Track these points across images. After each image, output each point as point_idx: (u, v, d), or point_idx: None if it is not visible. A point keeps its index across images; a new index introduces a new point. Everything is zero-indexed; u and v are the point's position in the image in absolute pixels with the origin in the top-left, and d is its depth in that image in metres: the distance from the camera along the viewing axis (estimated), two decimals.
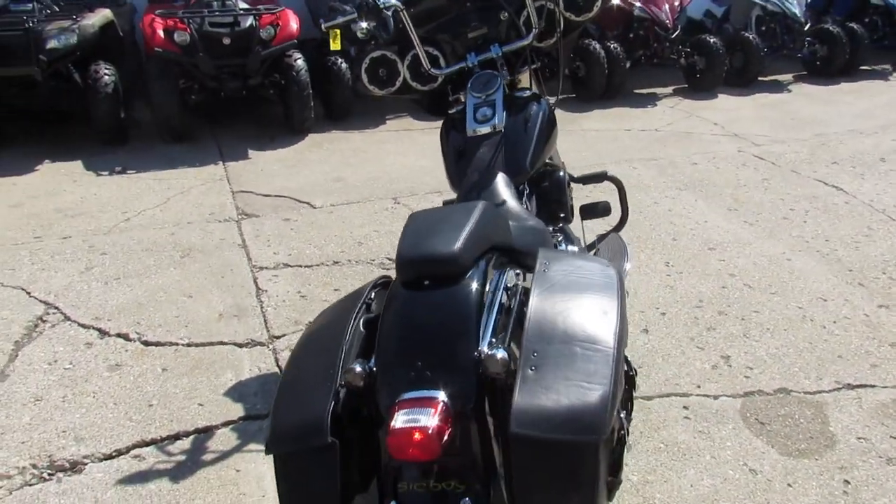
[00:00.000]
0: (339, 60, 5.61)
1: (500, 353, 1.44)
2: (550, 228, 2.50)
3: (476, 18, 2.53)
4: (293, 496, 1.47)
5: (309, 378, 1.55)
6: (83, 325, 2.87)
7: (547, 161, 2.63)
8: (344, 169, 4.82)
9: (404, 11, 2.42)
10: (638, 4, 6.77)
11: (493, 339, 1.50)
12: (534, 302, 1.55)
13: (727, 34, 7.51)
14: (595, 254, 2.74)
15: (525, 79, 2.67)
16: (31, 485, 2.05)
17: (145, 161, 4.97)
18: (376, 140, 5.52)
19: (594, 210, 2.73)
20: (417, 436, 1.32)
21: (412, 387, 1.43)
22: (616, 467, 1.45)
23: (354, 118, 5.96)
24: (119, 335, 2.80)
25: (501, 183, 2.19)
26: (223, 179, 4.64)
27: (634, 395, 1.63)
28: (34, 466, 2.12)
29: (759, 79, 7.21)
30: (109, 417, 2.33)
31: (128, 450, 2.19)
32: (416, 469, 1.42)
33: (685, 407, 2.34)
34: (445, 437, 1.36)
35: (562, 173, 2.43)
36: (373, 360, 1.51)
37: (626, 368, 1.60)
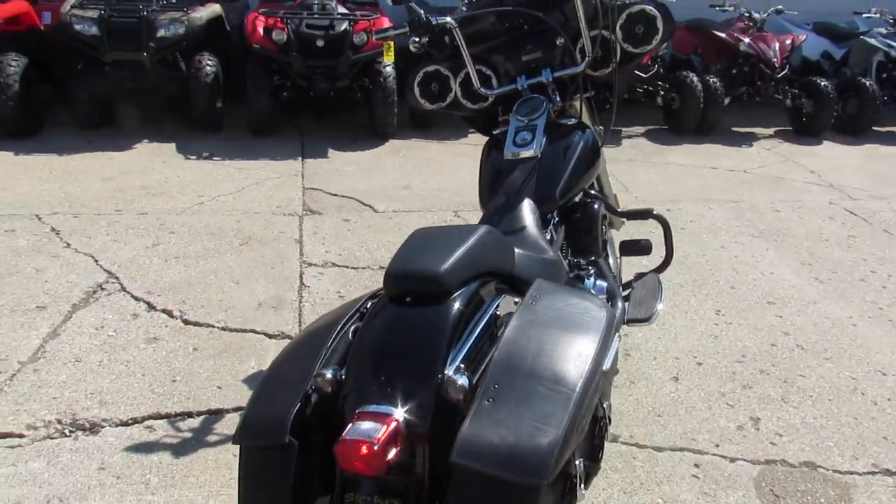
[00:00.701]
0: None
1: (462, 380, 1.42)
2: (582, 261, 2.45)
3: (531, 42, 2.52)
4: (248, 489, 1.51)
5: (285, 377, 1.59)
6: (135, 297, 3.06)
7: (591, 192, 2.57)
8: (414, 177, 4.89)
9: (457, 30, 2.44)
10: (746, 40, 6.49)
11: (462, 365, 1.48)
12: (508, 333, 1.53)
13: (844, 78, 7.08)
14: (629, 293, 2.65)
15: (578, 107, 2.62)
16: (51, 438, 2.21)
17: (232, 150, 5.24)
18: (453, 152, 5.57)
19: (635, 247, 2.65)
20: (364, 449, 1.32)
21: (372, 400, 1.44)
22: None
23: (438, 128, 6.04)
24: (164, 311, 2.97)
25: (526, 209, 2.17)
26: (298, 175, 4.81)
27: (606, 443, 1.56)
28: (59, 422, 2.27)
29: (874, 129, 6.75)
30: (135, 387, 2.46)
31: (143, 419, 2.31)
32: (364, 482, 1.43)
33: (696, 465, 2.22)
34: (392, 455, 1.36)
35: (596, 206, 2.36)
36: (345, 369, 1.53)
37: (600, 415, 1.54)
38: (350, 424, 1.39)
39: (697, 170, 5.43)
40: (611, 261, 3.02)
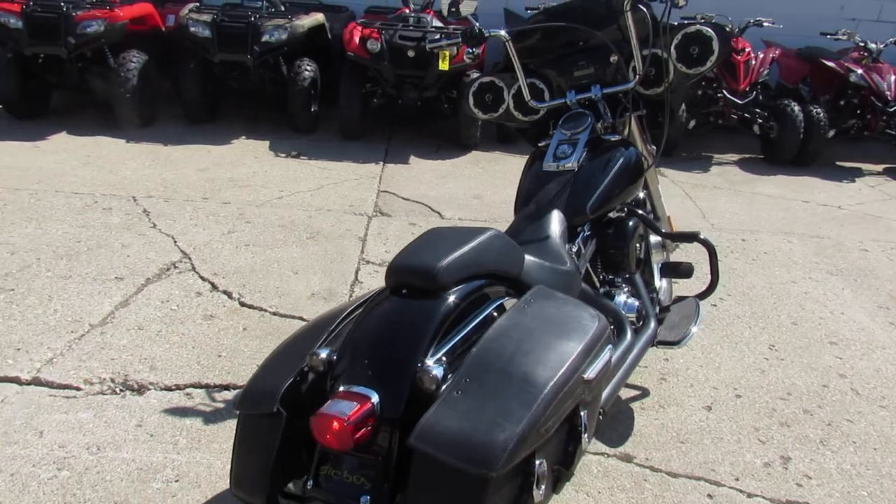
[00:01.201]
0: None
1: (436, 371, 1.48)
2: (615, 278, 2.43)
3: (585, 58, 2.54)
4: (239, 452, 1.63)
5: (287, 355, 1.70)
6: (202, 277, 3.30)
7: (633, 210, 2.55)
8: (487, 187, 4.96)
9: (510, 43, 2.50)
10: (858, 71, 6.13)
11: (444, 358, 1.54)
12: (491, 331, 1.57)
13: None
14: (665, 315, 2.61)
15: (634, 126, 2.61)
16: (103, 394, 2.43)
17: (319, 151, 5.51)
18: None
19: (676, 270, 2.60)
20: (335, 425, 1.41)
21: (354, 381, 1.52)
22: None
23: (523, 143, 6.07)
24: (225, 292, 3.18)
25: (553, 220, 2.19)
26: (376, 178, 5.00)
27: (581, 450, 1.56)
28: (112, 381, 2.50)
29: None
30: (184, 357, 2.67)
31: (185, 387, 2.50)
32: (337, 457, 1.51)
33: (710, 496, 2.15)
34: (360, 434, 1.44)
35: (631, 223, 2.35)
36: (338, 351, 1.62)
37: (577, 422, 1.54)
38: (329, 401, 1.48)
39: (786, 202, 5.18)
40: (658, 283, 2.97)
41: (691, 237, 2.66)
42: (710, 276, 2.64)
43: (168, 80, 6.11)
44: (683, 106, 5.83)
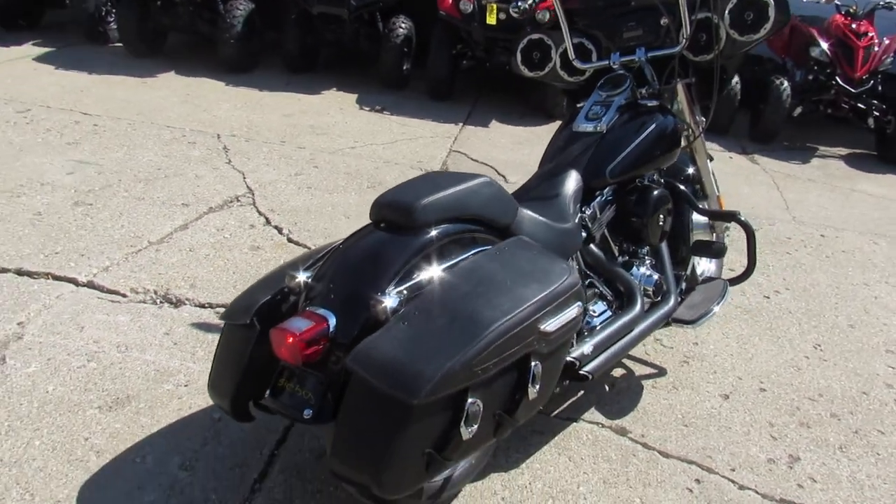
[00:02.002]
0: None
1: (388, 301, 1.53)
2: (638, 248, 2.37)
3: (635, 19, 2.45)
4: (216, 358, 1.75)
5: (276, 276, 1.80)
6: (259, 212, 3.49)
7: (664, 181, 2.45)
8: None
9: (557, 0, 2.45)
10: None
11: (406, 291, 1.59)
12: (452, 270, 1.59)
13: None
14: (687, 292, 2.51)
15: (681, 94, 2.50)
16: (143, 303, 2.65)
17: (403, 107, 5.60)
18: None
19: (706, 248, 2.50)
20: (289, 339, 1.50)
21: (317, 303, 1.60)
22: (442, 446, 1.44)
23: None
24: (276, 227, 3.35)
25: (568, 180, 2.16)
26: (451, 138, 5.04)
27: (529, 402, 1.56)
28: (154, 292, 2.72)
29: None
30: (223, 280, 2.85)
31: (216, 306, 2.68)
32: (291, 371, 1.60)
33: (697, 480, 2.08)
34: (311, 351, 1.52)
35: (656, 193, 2.26)
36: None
37: (526, 370, 1.53)
38: (291, 318, 1.56)
39: (888, 202, 4.77)
40: (709, 264, 2.85)
41: (729, 216, 2.53)
42: (747, 261, 2.52)
43: (273, 29, 6.37)
44: (785, 87, 5.44)
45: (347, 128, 4.98)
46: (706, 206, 2.70)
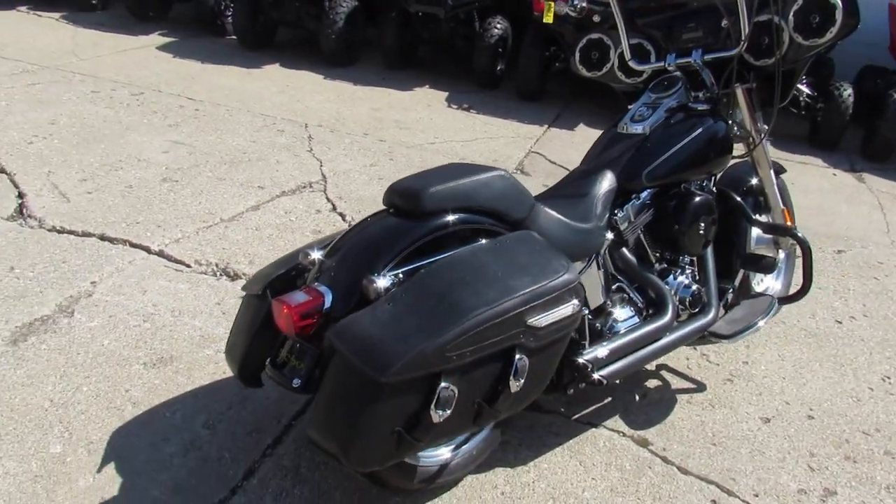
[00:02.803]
0: None
1: (380, 282, 1.59)
2: (679, 257, 2.29)
3: (695, 20, 2.36)
4: (234, 326, 1.87)
5: (294, 253, 1.89)
6: (328, 199, 3.63)
7: (713, 189, 2.35)
8: None
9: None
10: None
11: (402, 275, 1.63)
12: (447, 257, 1.62)
13: None
14: (730, 306, 2.39)
15: (741, 99, 2.38)
16: (204, 274, 2.84)
17: (490, 107, 5.62)
18: None
19: (756, 262, 2.38)
20: (284, 310, 1.58)
21: (319, 279, 1.68)
22: (412, 427, 1.46)
23: None
24: (340, 214, 3.48)
25: (602, 180, 2.12)
26: (533, 139, 5.01)
27: (510, 395, 1.55)
28: (216, 265, 2.91)
29: None
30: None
31: None
32: (289, 341, 1.68)
33: (713, 501, 1.98)
34: (305, 323, 1.59)
35: (698, 200, 2.17)
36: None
37: (507, 365, 1.52)
38: (293, 291, 1.65)
39: None
40: (774, 281, 2.71)
41: (784, 231, 2.39)
42: (802, 280, 2.37)
43: (374, 26, 6.58)
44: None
45: (431, 124, 5.07)
46: (768, 219, 2.56)
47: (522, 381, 1.56)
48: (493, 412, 1.56)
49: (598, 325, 2.08)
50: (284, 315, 1.57)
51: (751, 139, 2.41)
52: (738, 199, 2.43)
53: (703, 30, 2.34)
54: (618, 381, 2.21)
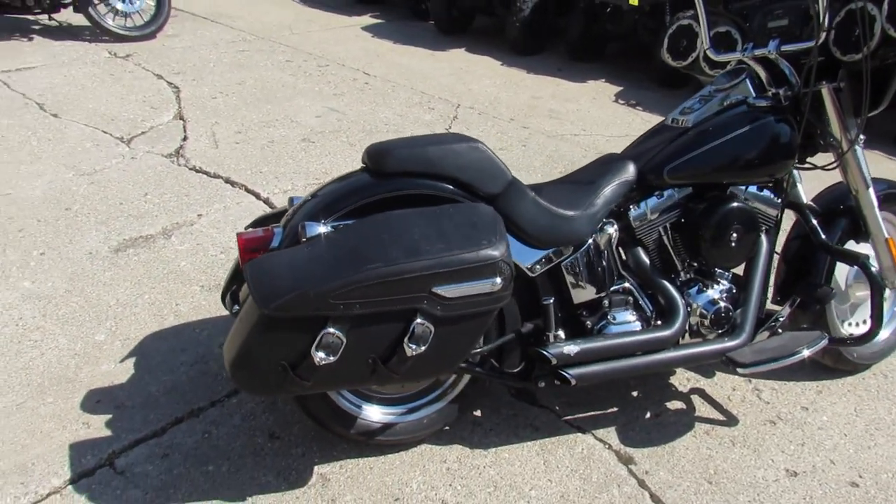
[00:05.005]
0: None
1: (312, 228, 1.71)
2: (720, 271, 2.06)
3: (782, 8, 2.07)
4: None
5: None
6: None
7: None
8: None
9: None
10: None
11: (341, 225, 1.71)
12: (381, 215, 1.65)
13: None
14: (771, 332, 2.08)
15: (827, 100, 2.05)
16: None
17: (662, 106, 5.29)
18: None
19: (809, 291, 2.04)
20: (238, 241, 1.75)
21: (282, 221, 1.82)
22: (296, 364, 1.52)
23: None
24: None
25: (616, 171, 2.00)
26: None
27: (406, 357, 1.54)
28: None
29: None
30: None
31: None
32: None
33: None
34: (249, 256, 1.75)
35: (733, 206, 1.92)
36: None
37: (405, 327, 1.52)
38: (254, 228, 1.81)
39: None
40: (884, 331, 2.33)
41: (854, 259, 2.02)
42: (871, 318, 2.00)
43: (562, 17, 6.51)
44: None
45: (585, 116, 4.94)
46: (877, 247, 2.17)
47: (423, 347, 1.55)
48: (386, 371, 1.57)
49: (587, 321, 1.96)
50: (238, 245, 1.73)
51: (838, 146, 2.06)
52: (810, 215, 2.10)
53: (790, 18, 2.05)
54: (629, 388, 2.06)
